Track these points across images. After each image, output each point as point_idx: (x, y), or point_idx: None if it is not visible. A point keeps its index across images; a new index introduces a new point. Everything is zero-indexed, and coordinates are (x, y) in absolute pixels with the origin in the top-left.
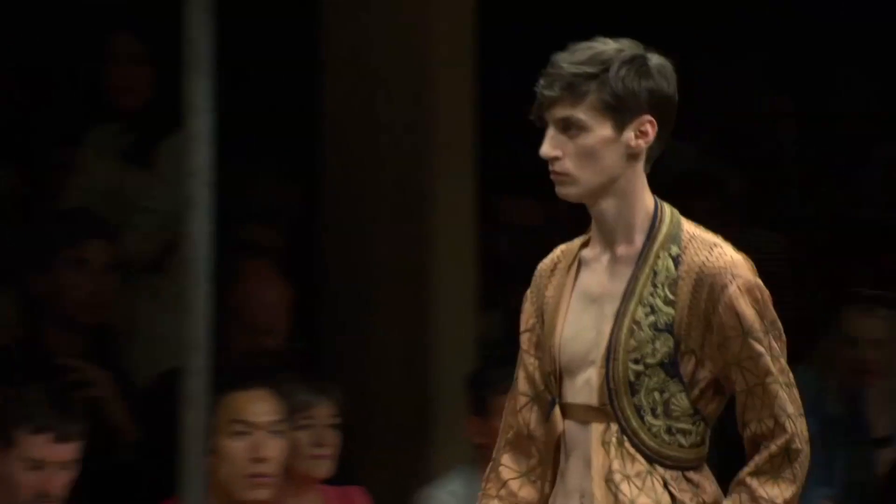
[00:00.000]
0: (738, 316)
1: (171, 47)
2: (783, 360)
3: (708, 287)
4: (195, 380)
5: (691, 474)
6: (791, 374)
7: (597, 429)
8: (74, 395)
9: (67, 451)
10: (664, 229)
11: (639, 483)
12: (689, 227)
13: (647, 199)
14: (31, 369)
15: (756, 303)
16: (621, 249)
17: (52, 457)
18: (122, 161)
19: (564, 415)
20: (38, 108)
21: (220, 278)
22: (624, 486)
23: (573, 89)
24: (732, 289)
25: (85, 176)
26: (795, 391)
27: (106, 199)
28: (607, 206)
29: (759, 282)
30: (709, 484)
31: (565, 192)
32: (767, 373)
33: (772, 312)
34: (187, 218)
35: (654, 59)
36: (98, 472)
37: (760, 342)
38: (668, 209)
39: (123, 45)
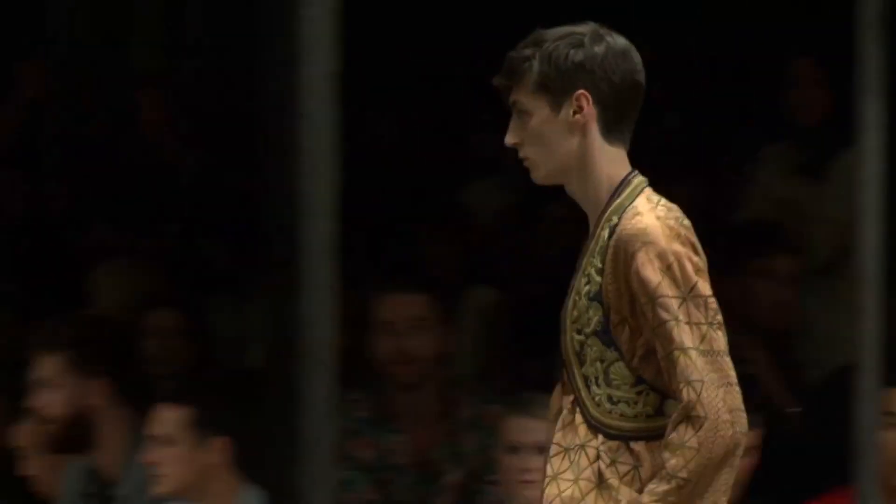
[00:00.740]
0: (643, 282)
1: (846, 69)
2: (704, 328)
3: (623, 254)
4: (867, 376)
5: (635, 445)
6: (716, 342)
7: (565, 401)
8: (752, 388)
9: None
10: (617, 201)
11: (572, 456)
12: (642, 199)
13: (614, 173)
14: None
15: (667, 269)
16: (592, 224)
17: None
18: (797, 174)
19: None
20: (723, 127)
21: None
22: (555, 460)
23: (512, 73)
24: (640, 255)
25: (763, 187)
26: (716, 358)
27: (780, 209)
28: (572, 185)
29: (677, 247)
30: (652, 456)
31: (533, 177)
32: (671, 340)
33: (691, 279)
34: (859, 225)
35: (601, 37)
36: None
37: (667, 309)
38: (635, 182)
39: (804, 69)
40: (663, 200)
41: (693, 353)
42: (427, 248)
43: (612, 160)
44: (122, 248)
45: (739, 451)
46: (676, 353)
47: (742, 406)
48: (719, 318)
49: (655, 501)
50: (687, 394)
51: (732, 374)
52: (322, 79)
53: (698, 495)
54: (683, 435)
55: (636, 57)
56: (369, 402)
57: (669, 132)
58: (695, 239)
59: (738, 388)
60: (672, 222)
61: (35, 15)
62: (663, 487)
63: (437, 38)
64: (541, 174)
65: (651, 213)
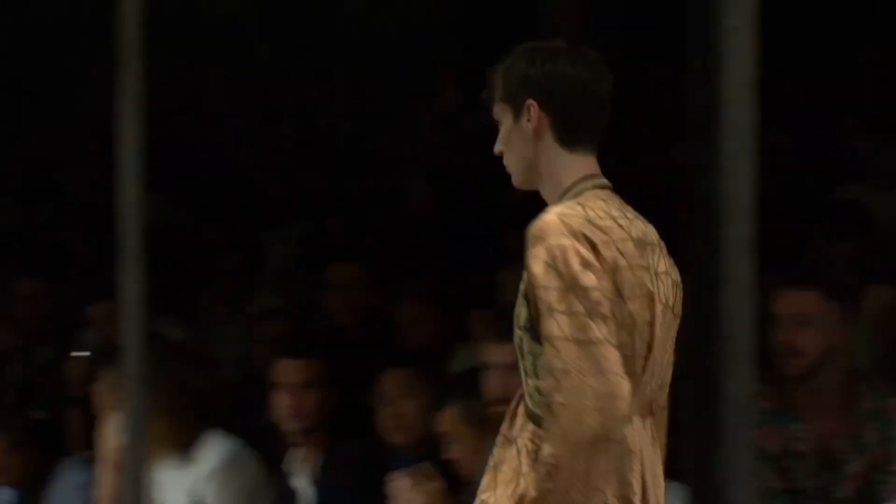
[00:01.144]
0: (531, 275)
1: None
2: (583, 317)
3: (525, 251)
4: None
5: None
6: (593, 332)
7: (518, 393)
8: None
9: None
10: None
11: (506, 445)
12: (569, 201)
13: (566, 179)
14: None
15: (552, 261)
16: None
17: None
18: None
19: None
20: None
21: None
22: (496, 449)
23: (490, 88)
24: (532, 250)
25: None
26: (591, 348)
27: None
28: (542, 190)
29: (564, 241)
30: None
31: (513, 183)
32: (544, 329)
33: (573, 270)
34: None
35: (556, 52)
36: None
37: (546, 300)
38: (578, 188)
39: None
40: (593, 203)
41: (559, 343)
42: (826, 247)
43: (565, 165)
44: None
45: (614, 438)
46: (546, 342)
47: (616, 392)
48: (603, 309)
49: (533, 488)
50: (548, 382)
51: (611, 363)
52: (742, 87)
53: (577, 482)
54: (549, 424)
55: (593, 69)
56: (770, 393)
57: None
58: (600, 237)
59: (619, 378)
60: (572, 219)
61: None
62: (537, 474)
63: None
64: (517, 180)
65: (555, 211)
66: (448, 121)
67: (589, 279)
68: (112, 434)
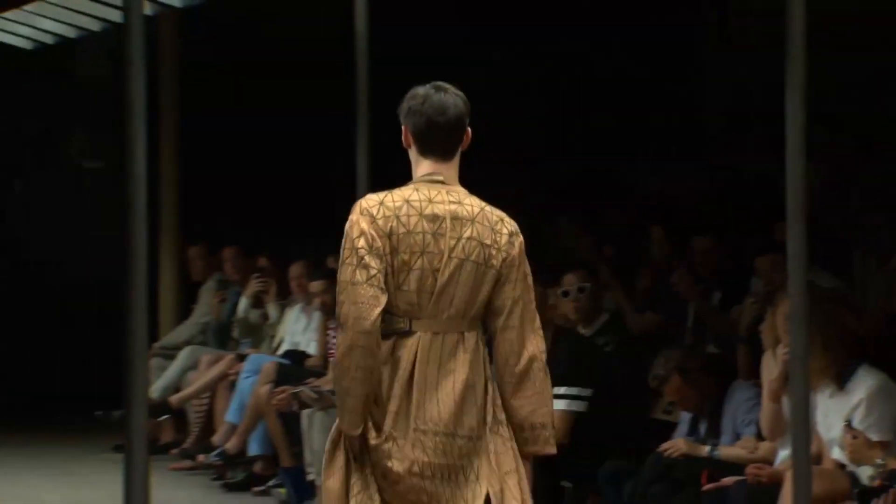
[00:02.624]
0: None
1: None
2: (347, 267)
3: None
4: None
5: None
6: (350, 275)
7: None
8: None
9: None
10: None
11: None
12: (402, 187)
13: (416, 173)
14: None
15: (347, 229)
16: None
17: None
18: None
19: None
20: None
21: None
22: None
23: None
24: None
25: None
26: (349, 287)
27: None
28: None
29: (352, 216)
30: None
31: None
32: (338, 275)
33: (350, 235)
34: None
35: (417, 94)
36: None
37: (338, 256)
38: (418, 180)
39: None
40: (403, 191)
41: (341, 284)
42: None
43: (418, 166)
44: None
45: (359, 343)
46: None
47: (364, 315)
48: (365, 262)
49: (333, 378)
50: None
51: (364, 298)
52: None
53: (344, 374)
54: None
55: (437, 107)
56: None
57: None
58: (382, 213)
59: (368, 307)
60: (367, 201)
61: None
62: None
63: None
64: None
65: (364, 196)
66: None
67: (359, 241)
68: (773, 367)
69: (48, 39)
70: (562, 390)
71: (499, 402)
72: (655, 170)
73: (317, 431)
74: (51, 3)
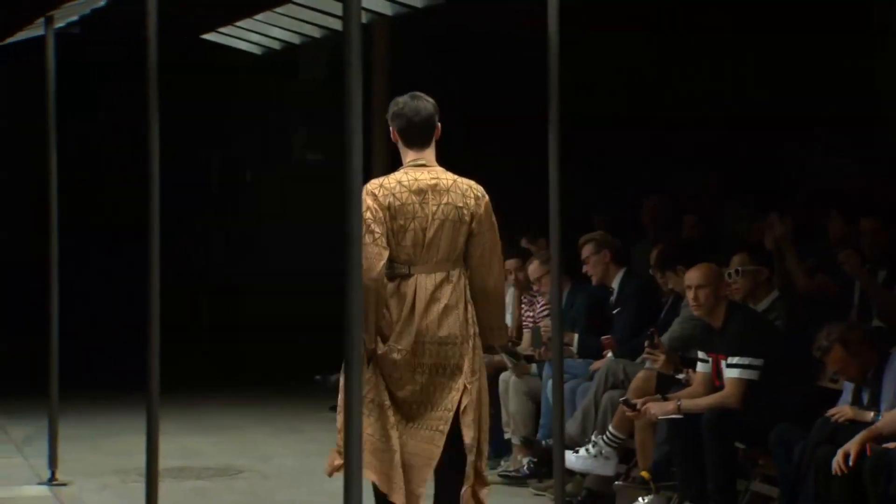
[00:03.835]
0: None
1: None
2: (366, 233)
3: None
4: None
5: None
6: (365, 239)
7: None
8: None
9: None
10: None
11: None
12: (396, 171)
13: (404, 161)
14: None
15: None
16: None
17: None
18: None
19: None
20: None
21: None
22: None
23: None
24: None
25: None
26: (365, 247)
27: None
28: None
29: (363, 196)
30: None
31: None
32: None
33: (362, 211)
34: None
35: (398, 101)
36: None
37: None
38: (406, 166)
39: None
40: (396, 174)
41: (364, 244)
42: None
43: (406, 155)
44: None
45: (370, 286)
46: None
47: (372, 266)
48: (371, 228)
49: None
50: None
51: (371, 255)
52: None
53: (365, 306)
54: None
55: (413, 109)
56: None
57: None
58: (381, 192)
59: (372, 261)
60: (370, 184)
61: None
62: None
63: None
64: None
65: (371, 180)
66: None
67: (367, 215)
68: None
69: (276, 45)
70: (735, 360)
71: (474, 318)
72: (829, 150)
73: (512, 394)
74: (278, 13)
